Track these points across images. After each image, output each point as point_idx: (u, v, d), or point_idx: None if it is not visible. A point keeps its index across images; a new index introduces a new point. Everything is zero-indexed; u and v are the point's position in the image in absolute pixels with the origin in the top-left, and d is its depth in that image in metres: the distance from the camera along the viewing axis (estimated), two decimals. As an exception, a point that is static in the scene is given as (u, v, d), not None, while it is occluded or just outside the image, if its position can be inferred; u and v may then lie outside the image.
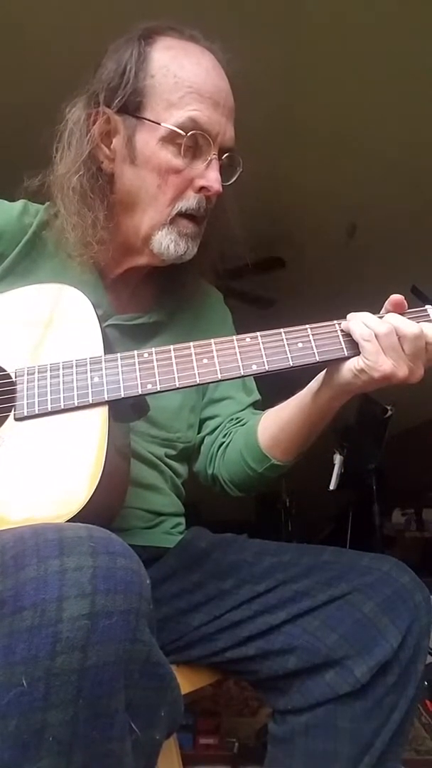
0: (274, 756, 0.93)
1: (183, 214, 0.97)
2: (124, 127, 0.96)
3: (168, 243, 0.97)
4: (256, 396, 1.15)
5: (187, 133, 0.92)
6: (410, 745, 1.77)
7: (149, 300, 1.08)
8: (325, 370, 0.88)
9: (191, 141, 0.93)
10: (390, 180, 2.64)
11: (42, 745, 0.52)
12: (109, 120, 0.96)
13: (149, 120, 0.94)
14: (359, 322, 0.81)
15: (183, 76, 0.93)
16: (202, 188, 0.96)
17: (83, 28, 1.96)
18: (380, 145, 2.48)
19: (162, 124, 0.93)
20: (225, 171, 0.99)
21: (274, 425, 0.98)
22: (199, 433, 1.12)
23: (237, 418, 1.10)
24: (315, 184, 2.65)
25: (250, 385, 1.15)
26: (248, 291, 2.98)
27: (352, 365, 0.82)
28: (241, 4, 1.89)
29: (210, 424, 1.11)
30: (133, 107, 0.95)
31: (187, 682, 0.97)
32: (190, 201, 0.96)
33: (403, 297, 0.83)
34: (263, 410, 1.10)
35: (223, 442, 1.08)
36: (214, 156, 0.95)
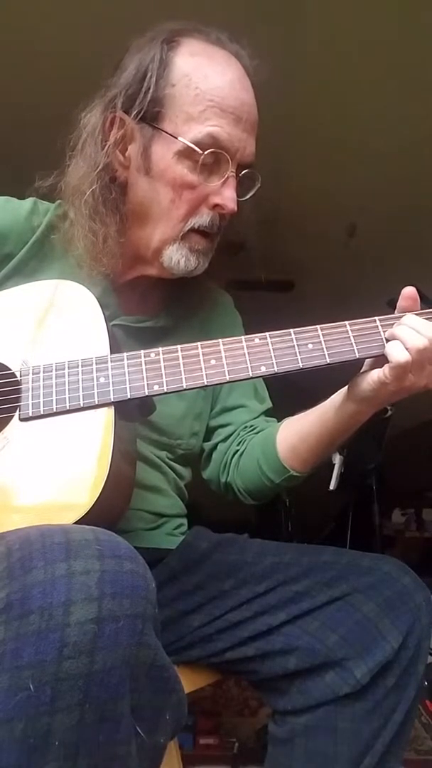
0: (274, 756, 0.93)
1: (195, 230, 0.95)
2: (141, 135, 0.93)
3: (178, 258, 0.95)
4: (268, 404, 1.14)
5: (204, 151, 0.90)
6: (410, 745, 1.77)
7: (158, 305, 1.07)
8: (348, 385, 0.87)
9: (209, 158, 0.91)
10: (390, 180, 2.64)
11: (48, 748, 0.52)
12: (125, 126, 0.94)
13: (167, 132, 0.91)
14: (399, 347, 0.78)
15: (205, 89, 0.90)
16: (216, 206, 0.94)
17: (83, 26, 1.95)
18: (380, 145, 2.48)
19: (179, 138, 0.90)
20: (242, 185, 0.96)
21: (294, 436, 0.97)
22: (210, 440, 1.11)
23: (250, 426, 1.09)
24: (315, 184, 2.64)
25: (262, 393, 1.14)
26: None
27: (371, 379, 0.81)
28: (242, 4, 1.89)
29: (222, 432, 1.10)
30: (151, 116, 0.92)
31: (187, 682, 0.97)
32: (203, 218, 0.94)
33: (415, 290, 0.82)
34: (274, 418, 1.10)
35: (238, 450, 1.07)
36: (232, 174, 0.93)
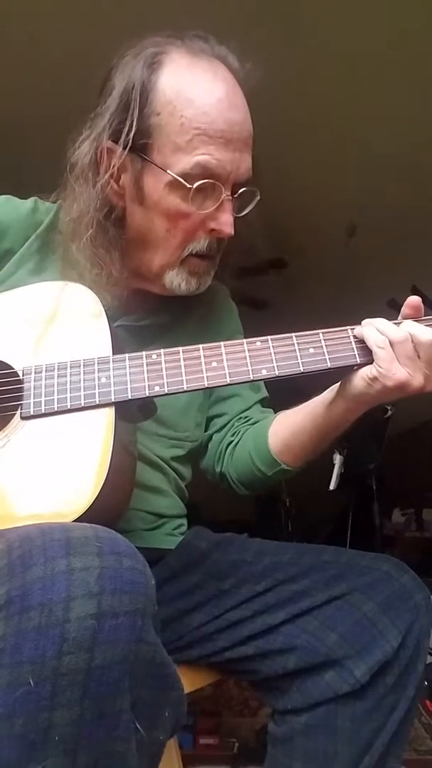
0: (274, 756, 0.93)
1: (194, 255, 0.95)
2: (132, 166, 0.92)
3: (179, 282, 0.96)
4: (264, 393, 1.14)
5: (193, 184, 0.88)
6: (410, 745, 1.77)
7: (157, 302, 1.07)
8: (339, 382, 0.86)
9: (201, 186, 0.89)
10: (390, 180, 2.64)
11: (48, 744, 0.52)
12: (116, 156, 0.91)
13: (156, 165, 0.90)
14: (373, 329, 0.80)
15: (190, 116, 0.87)
16: (213, 230, 0.93)
17: (83, 27, 1.96)
18: (381, 144, 2.48)
19: (168, 171, 0.89)
20: (242, 198, 0.95)
21: (286, 431, 0.97)
22: (206, 430, 1.12)
23: (245, 416, 1.09)
24: (315, 184, 2.64)
25: (257, 382, 1.15)
26: (241, 292, 2.97)
27: (364, 374, 0.80)
28: (241, 5, 1.89)
29: (218, 422, 1.11)
30: (139, 147, 0.90)
31: (187, 682, 0.96)
32: (201, 243, 0.94)
33: (420, 300, 0.81)
34: (270, 408, 1.10)
35: (232, 441, 1.07)
36: (227, 197, 0.91)
